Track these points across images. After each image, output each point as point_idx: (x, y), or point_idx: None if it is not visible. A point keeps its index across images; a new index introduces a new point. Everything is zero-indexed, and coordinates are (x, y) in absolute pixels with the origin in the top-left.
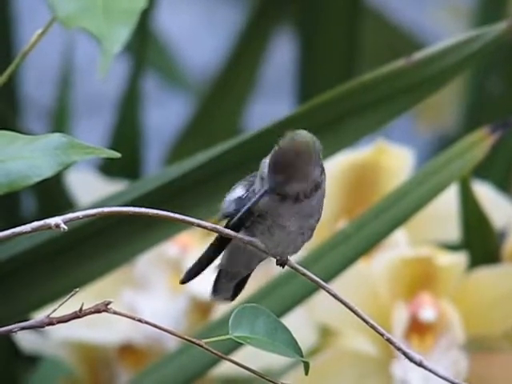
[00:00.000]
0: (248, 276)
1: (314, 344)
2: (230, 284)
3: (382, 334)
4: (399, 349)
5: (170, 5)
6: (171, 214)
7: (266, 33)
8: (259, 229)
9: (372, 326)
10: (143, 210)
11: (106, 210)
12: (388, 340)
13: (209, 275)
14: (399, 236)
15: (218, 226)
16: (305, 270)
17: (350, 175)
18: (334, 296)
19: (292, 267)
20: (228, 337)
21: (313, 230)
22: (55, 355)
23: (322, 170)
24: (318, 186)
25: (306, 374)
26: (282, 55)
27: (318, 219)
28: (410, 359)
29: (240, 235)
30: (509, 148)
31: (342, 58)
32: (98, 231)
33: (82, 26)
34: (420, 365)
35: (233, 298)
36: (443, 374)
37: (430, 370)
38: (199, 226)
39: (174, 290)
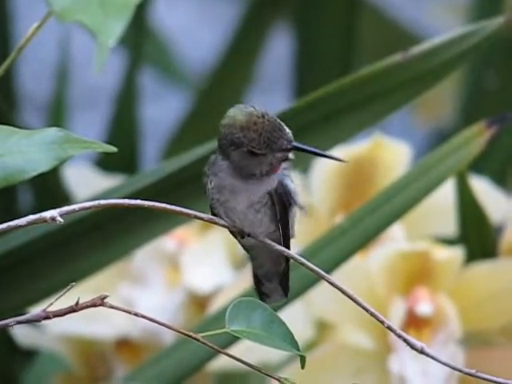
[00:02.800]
0: (286, 270)
1: (311, 338)
2: (272, 284)
3: (382, 322)
4: (400, 336)
5: None
6: (168, 206)
7: (263, 27)
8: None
9: (372, 314)
10: (139, 201)
11: (103, 202)
12: (388, 327)
13: (205, 270)
14: (396, 230)
15: (214, 218)
16: (303, 259)
17: (347, 170)
18: (333, 284)
19: (290, 257)
20: (224, 330)
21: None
22: (52, 349)
23: None
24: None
25: (303, 367)
26: (279, 49)
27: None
28: (411, 346)
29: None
30: (505, 142)
31: (340, 53)
32: (94, 226)
33: (77, 20)
34: (421, 352)
35: (286, 294)
36: (444, 361)
37: (431, 357)
38: (196, 217)
39: (170, 285)
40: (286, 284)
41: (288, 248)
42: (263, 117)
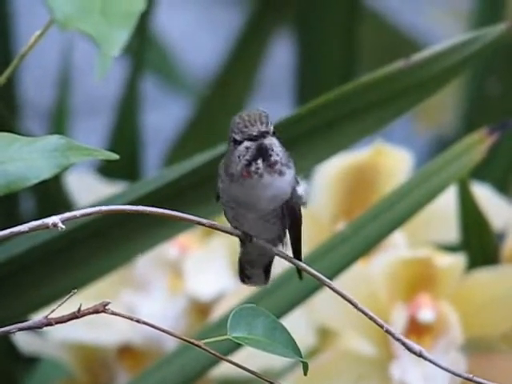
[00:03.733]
0: (271, 261)
1: (313, 345)
2: (255, 270)
3: (381, 326)
4: (398, 339)
5: (169, 6)
6: (169, 212)
7: (265, 34)
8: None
9: (371, 318)
10: (141, 208)
11: (104, 208)
12: (387, 331)
13: (207, 276)
14: (398, 237)
15: (216, 223)
16: (305, 265)
17: (349, 177)
18: (333, 289)
19: (291, 262)
20: (226, 337)
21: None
22: (54, 356)
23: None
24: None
25: (305, 374)
26: (281, 56)
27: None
28: (410, 350)
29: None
30: (507, 149)
31: (341, 59)
32: (96, 232)
33: (79, 29)
34: (420, 355)
35: (266, 281)
36: (444, 365)
37: (430, 361)
38: (198, 223)
39: (172, 291)
40: (269, 271)
41: (299, 258)
42: (256, 111)
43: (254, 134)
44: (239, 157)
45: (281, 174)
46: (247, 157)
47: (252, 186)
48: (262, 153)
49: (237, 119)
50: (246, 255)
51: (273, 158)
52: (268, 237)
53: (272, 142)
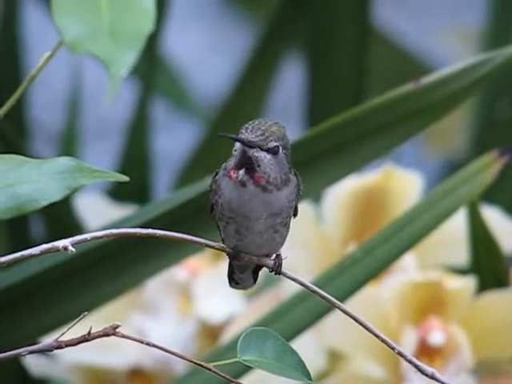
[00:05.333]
0: (259, 266)
1: (323, 367)
2: (244, 274)
3: (392, 348)
4: (411, 362)
5: (178, 29)
6: (179, 235)
7: (274, 58)
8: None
9: (383, 340)
10: (151, 230)
11: (114, 231)
12: (399, 353)
13: (217, 299)
14: (408, 260)
15: (226, 247)
16: (315, 288)
17: (359, 199)
18: (344, 311)
19: (303, 285)
20: (236, 360)
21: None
22: (64, 379)
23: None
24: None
25: None
26: (290, 80)
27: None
28: (422, 371)
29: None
30: None
31: (351, 83)
32: (107, 255)
33: (88, 50)
34: (432, 377)
35: (254, 282)
36: None
37: (442, 383)
38: (207, 245)
39: (182, 314)
40: (258, 273)
41: None
42: (271, 122)
43: (244, 140)
44: (232, 157)
45: (265, 190)
46: (235, 157)
47: (239, 191)
48: (246, 162)
49: (251, 121)
50: (237, 262)
51: (257, 174)
52: (267, 252)
53: (260, 155)
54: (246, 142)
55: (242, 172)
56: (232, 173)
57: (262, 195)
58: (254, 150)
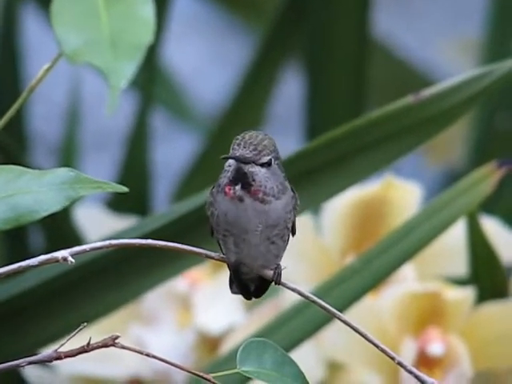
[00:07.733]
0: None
1: (322, 378)
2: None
3: (392, 358)
4: (411, 372)
5: (177, 40)
6: (179, 246)
7: (273, 69)
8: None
9: (383, 350)
10: (150, 241)
11: (114, 242)
12: (399, 363)
13: (216, 310)
14: (407, 271)
15: (225, 257)
16: (315, 298)
17: (358, 210)
18: (344, 321)
19: (301, 295)
20: (236, 371)
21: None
22: None
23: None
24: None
25: None
26: (289, 91)
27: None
28: (423, 382)
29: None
30: None
31: (350, 94)
32: (106, 266)
33: (88, 61)
34: None
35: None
36: None
37: None
38: (207, 256)
39: (182, 325)
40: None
41: None
42: (261, 134)
43: (240, 157)
44: (224, 172)
45: (263, 202)
46: (229, 175)
47: (236, 204)
48: (240, 177)
49: (240, 136)
50: (237, 275)
51: (253, 188)
52: (266, 264)
53: (254, 170)
54: (242, 159)
55: (238, 187)
56: (227, 189)
57: (259, 206)
58: (249, 165)
